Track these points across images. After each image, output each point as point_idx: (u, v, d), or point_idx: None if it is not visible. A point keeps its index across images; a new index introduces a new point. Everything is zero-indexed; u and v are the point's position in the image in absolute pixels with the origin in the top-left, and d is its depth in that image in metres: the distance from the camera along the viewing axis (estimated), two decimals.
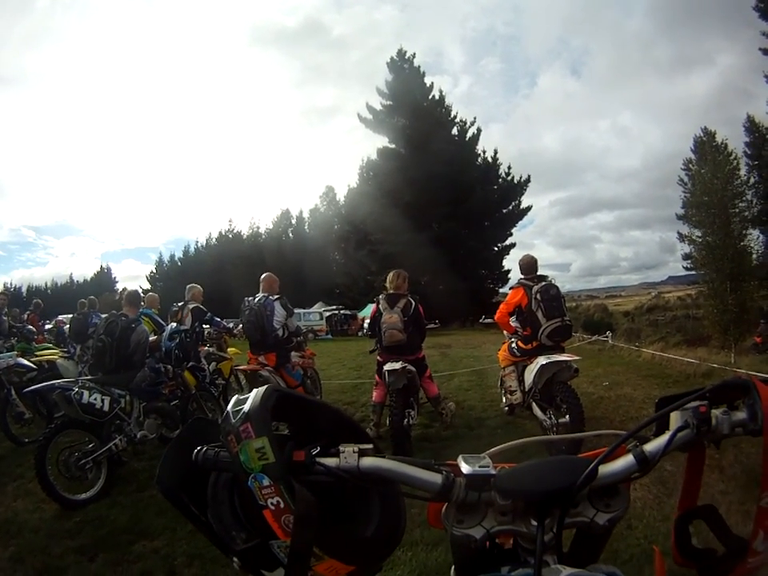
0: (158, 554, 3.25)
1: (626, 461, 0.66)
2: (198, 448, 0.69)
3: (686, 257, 25.73)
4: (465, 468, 0.66)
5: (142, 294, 6.98)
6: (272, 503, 0.61)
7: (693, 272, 24.06)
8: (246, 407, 0.65)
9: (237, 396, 0.70)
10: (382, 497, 0.73)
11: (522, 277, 5.32)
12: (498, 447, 0.78)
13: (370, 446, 0.70)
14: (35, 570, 3.13)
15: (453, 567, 0.75)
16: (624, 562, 2.68)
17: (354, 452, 0.67)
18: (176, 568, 3.08)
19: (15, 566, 3.20)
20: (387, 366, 4.96)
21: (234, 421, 0.64)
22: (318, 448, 0.68)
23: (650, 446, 0.67)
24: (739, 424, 0.66)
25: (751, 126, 30.33)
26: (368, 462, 0.67)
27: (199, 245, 57.21)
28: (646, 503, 3.42)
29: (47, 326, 12.85)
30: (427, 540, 3.00)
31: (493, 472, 0.66)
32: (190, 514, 0.70)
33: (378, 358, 5.39)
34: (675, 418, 0.68)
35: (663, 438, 0.67)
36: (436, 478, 0.67)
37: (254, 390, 0.69)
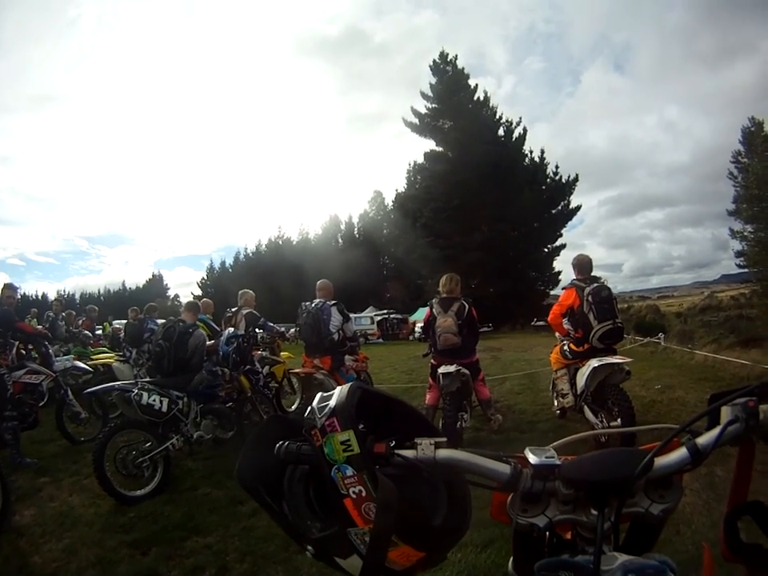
0: (210, 550, 3.30)
1: (679, 453, 0.69)
2: (281, 442, 0.73)
3: (738, 254, 24.54)
4: (532, 458, 0.70)
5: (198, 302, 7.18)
6: (354, 492, 0.65)
7: (746, 270, 23.24)
8: (333, 403, 0.69)
9: (321, 393, 0.73)
10: (449, 487, 0.76)
11: (575, 278, 5.29)
12: (562, 440, 0.81)
13: (444, 439, 0.73)
14: (89, 562, 3.20)
15: (511, 560, 0.77)
16: None
17: (430, 444, 0.72)
18: (228, 564, 3.13)
19: (69, 557, 3.28)
20: (442, 369, 5.02)
21: (319, 416, 0.68)
22: (394, 441, 0.72)
23: (703, 440, 0.69)
24: None
25: None
26: (443, 453, 0.71)
27: (249, 251, 57.95)
28: (695, 508, 3.35)
29: (100, 332, 13.23)
30: (477, 542, 2.99)
31: (558, 462, 0.70)
32: (266, 506, 0.74)
33: (432, 361, 5.43)
34: (725, 413, 0.70)
35: (714, 432, 0.69)
36: (505, 468, 0.71)
37: (339, 387, 0.73)
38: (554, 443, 0.77)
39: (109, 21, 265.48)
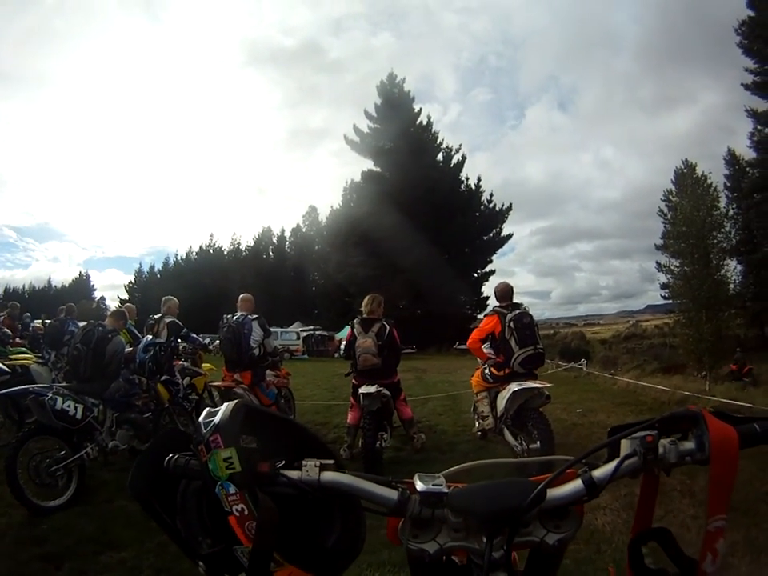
0: (124, 566, 3.21)
1: (574, 485, 0.69)
2: (170, 456, 0.72)
3: (663, 286, 26.22)
4: (419, 485, 0.69)
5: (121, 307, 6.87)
6: (237, 510, 0.65)
7: (670, 301, 24.58)
8: (217, 419, 0.69)
9: (208, 408, 0.73)
10: (342, 510, 0.75)
11: (497, 304, 5.39)
12: (454, 468, 0.80)
13: (332, 461, 0.73)
14: None
15: None
16: None
17: (315, 466, 0.71)
18: None
19: None
20: (362, 390, 5.02)
21: (204, 431, 0.68)
22: (283, 461, 0.72)
23: (599, 472, 0.70)
24: (687, 453, 0.69)
25: (731, 158, 31.36)
26: (328, 476, 0.71)
27: (179, 257, 56.99)
28: (615, 527, 3.44)
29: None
30: (395, 561, 2.95)
31: (445, 490, 0.69)
32: (160, 519, 0.73)
33: (353, 381, 5.43)
34: (624, 446, 0.70)
35: (611, 465, 0.70)
36: (392, 494, 0.71)
37: (225, 404, 0.72)
38: (446, 470, 0.76)
39: (72, 2, 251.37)
